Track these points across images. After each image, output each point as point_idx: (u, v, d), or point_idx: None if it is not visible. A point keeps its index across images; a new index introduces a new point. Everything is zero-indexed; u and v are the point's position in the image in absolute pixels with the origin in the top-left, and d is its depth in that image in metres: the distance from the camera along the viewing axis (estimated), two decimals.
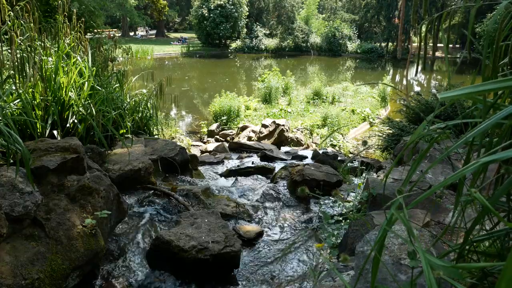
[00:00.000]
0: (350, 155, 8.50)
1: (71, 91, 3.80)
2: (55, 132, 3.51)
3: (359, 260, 1.76)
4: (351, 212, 2.90)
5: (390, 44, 36.29)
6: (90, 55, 4.31)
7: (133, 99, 5.01)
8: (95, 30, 10.60)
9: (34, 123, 3.31)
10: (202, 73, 25.47)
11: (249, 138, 9.54)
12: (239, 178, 4.57)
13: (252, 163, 5.54)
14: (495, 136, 1.08)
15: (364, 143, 2.95)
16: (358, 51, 36.28)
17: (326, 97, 14.35)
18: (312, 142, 9.97)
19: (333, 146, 9.70)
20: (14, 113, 3.18)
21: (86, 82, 3.98)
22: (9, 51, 3.39)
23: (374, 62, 33.38)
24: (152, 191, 3.38)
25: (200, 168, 5.08)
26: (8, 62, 3.44)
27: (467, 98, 1.11)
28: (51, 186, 2.32)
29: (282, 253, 2.84)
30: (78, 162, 2.52)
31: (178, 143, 4.83)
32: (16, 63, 3.22)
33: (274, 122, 9.55)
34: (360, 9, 40.31)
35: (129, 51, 6.27)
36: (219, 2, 34.91)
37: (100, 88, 4.15)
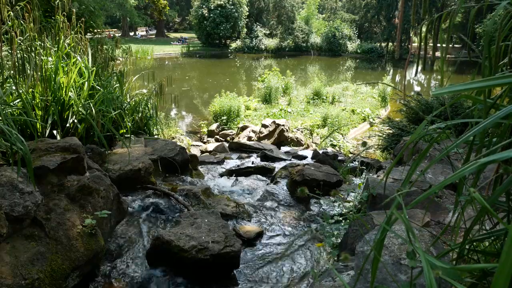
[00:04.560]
0: (350, 155, 8.50)
1: (71, 91, 3.81)
2: (55, 132, 3.51)
3: (359, 260, 1.76)
4: (351, 212, 2.90)
5: (390, 44, 36.30)
6: (90, 55, 4.31)
7: (133, 99, 5.01)
8: (95, 30, 10.60)
9: (34, 123, 3.32)
10: (202, 73, 25.47)
11: (249, 138, 9.54)
12: (239, 178, 4.57)
13: (252, 163, 5.54)
14: (495, 135, 1.08)
15: (364, 144, 2.92)
16: (358, 51, 36.27)
17: (326, 97, 14.35)
18: (312, 142, 9.97)
19: (333, 146, 9.71)
20: (14, 113, 3.18)
21: (86, 82, 3.98)
22: (9, 51, 3.39)
23: (374, 62, 33.38)
24: (152, 191, 3.38)
25: (200, 168, 5.07)
26: (8, 62, 3.44)
27: (464, 97, 1.11)
28: (51, 186, 2.33)
29: (281, 253, 2.84)
30: (78, 162, 2.52)
31: (178, 143, 4.83)
32: (17, 63, 3.22)
33: (274, 122, 9.55)
34: (360, 9, 40.30)
35: (129, 51, 6.27)
36: (219, 2, 34.89)
37: (100, 88, 4.15)
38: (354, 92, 15.66)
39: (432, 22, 1.37)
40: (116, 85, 4.78)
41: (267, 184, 4.36)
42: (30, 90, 3.51)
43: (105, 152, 3.54)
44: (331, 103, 13.92)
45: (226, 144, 8.04)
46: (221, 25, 35.53)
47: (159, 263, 2.47)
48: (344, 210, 3.17)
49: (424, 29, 1.48)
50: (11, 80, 3.33)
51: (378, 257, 0.80)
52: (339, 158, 6.37)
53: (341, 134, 10.78)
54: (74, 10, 4.62)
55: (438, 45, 1.31)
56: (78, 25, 4.48)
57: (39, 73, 3.54)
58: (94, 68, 4.20)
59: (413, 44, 30.70)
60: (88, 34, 9.94)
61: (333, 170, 4.23)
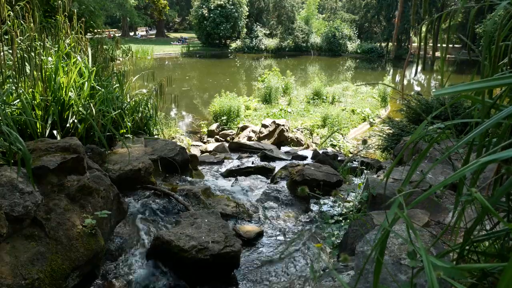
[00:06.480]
0: (350, 155, 8.50)
1: (71, 91, 3.80)
2: (55, 132, 3.51)
3: (359, 260, 1.76)
4: (351, 212, 2.90)
5: (390, 44, 36.31)
6: (90, 55, 4.31)
7: (133, 99, 5.00)
8: (95, 30, 10.60)
9: (34, 123, 3.31)
10: (202, 73, 25.47)
11: (249, 138, 9.54)
12: (239, 178, 4.57)
13: (252, 163, 5.54)
14: (495, 136, 1.08)
15: (364, 142, 2.93)
16: (358, 51, 36.28)
17: (326, 97, 14.35)
18: (312, 142, 9.97)
19: (333, 146, 9.71)
20: (14, 113, 3.18)
21: (86, 82, 3.98)
22: (10, 51, 3.39)
23: (374, 62, 33.40)
24: (152, 191, 3.38)
25: (200, 168, 5.07)
26: (8, 62, 3.44)
27: (464, 97, 1.11)
28: (51, 186, 2.32)
29: (281, 253, 2.84)
30: (78, 162, 2.52)
31: (178, 143, 4.82)
32: (17, 63, 3.22)
33: (274, 122, 9.55)
34: (360, 9, 40.32)
35: (129, 51, 6.27)
36: (219, 2, 34.89)
37: (100, 88, 4.15)
38: (354, 92, 15.66)
39: (432, 22, 1.37)
40: (116, 85, 4.78)
41: (267, 184, 4.36)
42: (30, 90, 3.51)
43: (105, 152, 3.53)
44: (331, 103, 13.93)
45: (226, 144, 8.03)
46: (221, 25, 35.52)
47: (159, 263, 2.47)
48: (344, 210, 3.17)
49: (424, 29, 1.48)
50: (11, 80, 3.33)
51: (380, 259, 0.80)
52: (339, 158, 6.37)
53: (341, 134, 10.78)
54: (74, 10, 4.61)
55: (438, 45, 1.31)
56: (78, 25, 4.48)
57: (39, 73, 3.54)
58: (94, 68, 4.19)
59: (413, 44, 30.68)
60: (88, 34, 9.94)
61: (333, 170, 4.23)
